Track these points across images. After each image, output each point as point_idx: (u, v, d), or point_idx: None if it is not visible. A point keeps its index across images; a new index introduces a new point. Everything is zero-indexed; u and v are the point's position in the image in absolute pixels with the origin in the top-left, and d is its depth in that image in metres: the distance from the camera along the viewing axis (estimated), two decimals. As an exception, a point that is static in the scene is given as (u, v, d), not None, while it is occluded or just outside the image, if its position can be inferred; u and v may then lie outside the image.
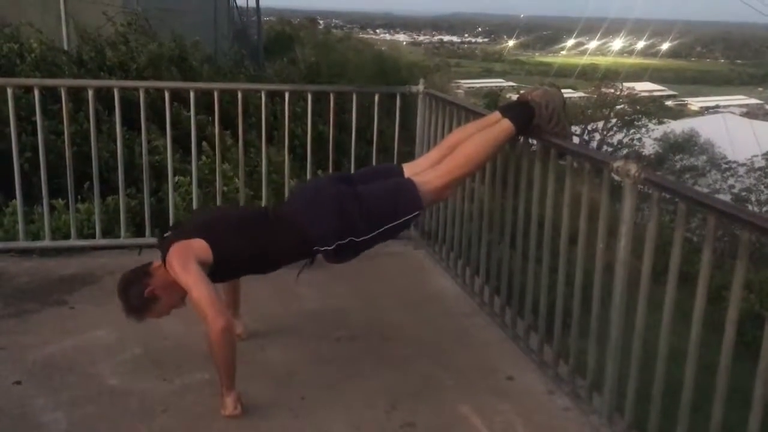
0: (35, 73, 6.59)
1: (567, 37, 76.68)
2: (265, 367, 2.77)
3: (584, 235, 2.52)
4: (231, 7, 17.01)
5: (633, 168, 2.18)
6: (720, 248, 11.85)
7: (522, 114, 2.70)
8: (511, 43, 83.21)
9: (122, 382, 2.63)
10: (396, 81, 13.06)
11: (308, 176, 4.18)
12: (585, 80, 38.81)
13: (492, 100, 23.77)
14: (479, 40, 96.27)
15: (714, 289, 2.30)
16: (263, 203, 4.17)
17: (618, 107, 24.66)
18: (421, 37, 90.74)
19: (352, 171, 3.16)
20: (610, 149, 22.28)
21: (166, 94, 3.87)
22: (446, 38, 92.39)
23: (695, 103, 45.86)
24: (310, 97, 4.10)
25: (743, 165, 19.52)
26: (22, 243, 3.88)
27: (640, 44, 69.37)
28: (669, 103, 40.84)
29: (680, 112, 37.70)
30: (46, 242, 3.91)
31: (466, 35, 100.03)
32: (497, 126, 2.70)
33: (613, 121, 24.13)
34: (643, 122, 23.86)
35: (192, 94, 3.91)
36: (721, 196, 15.68)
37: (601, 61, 55.29)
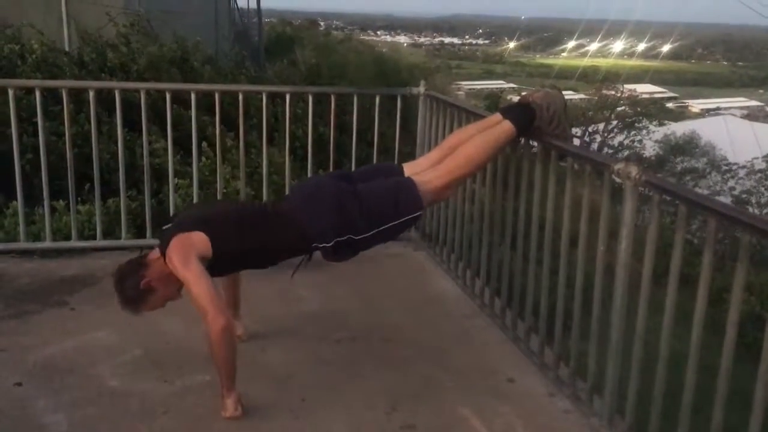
0: (36, 75, 6.60)
1: (568, 38, 76.65)
2: (265, 368, 2.77)
3: (585, 237, 2.52)
4: (232, 8, 17.02)
5: (634, 170, 2.18)
6: (720, 250, 11.84)
7: (523, 116, 2.70)
8: (511, 44, 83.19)
9: (123, 384, 2.63)
10: (396, 82, 13.06)
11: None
12: (586, 82, 38.78)
13: (493, 101, 23.74)
14: (480, 41, 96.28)
15: (715, 291, 2.29)
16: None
17: (619, 109, 24.65)
18: (422, 39, 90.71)
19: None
20: (610, 151, 22.26)
21: (167, 96, 3.88)
22: (447, 40, 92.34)
23: (696, 105, 45.85)
24: (311, 98, 4.11)
25: (743, 167, 19.50)
26: (22, 244, 3.89)
27: (641, 46, 69.36)
28: (670, 105, 40.85)
29: (681, 114, 37.71)
30: (47, 243, 3.91)
31: (467, 37, 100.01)
32: (498, 127, 2.71)
33: (614, 122, 24.11)
34: (643, 124, 23.84)
35: (193, 96, 3.91)
36: (722, 198, 15.71)
37: (602, 62, 55.23)
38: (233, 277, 2.87)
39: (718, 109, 42.60)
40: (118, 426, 2.39)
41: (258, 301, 3.23)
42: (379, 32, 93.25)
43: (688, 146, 22.57)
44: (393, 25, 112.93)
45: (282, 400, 2.54)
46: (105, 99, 4.71)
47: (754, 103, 47.71)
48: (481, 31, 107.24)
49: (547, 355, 2.78)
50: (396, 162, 3.80)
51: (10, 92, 3.74)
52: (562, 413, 2.54)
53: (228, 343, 2.35)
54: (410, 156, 3.94)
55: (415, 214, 2.59)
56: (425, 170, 2.67)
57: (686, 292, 2.13)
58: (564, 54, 73.75)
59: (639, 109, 25.03)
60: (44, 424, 2.37)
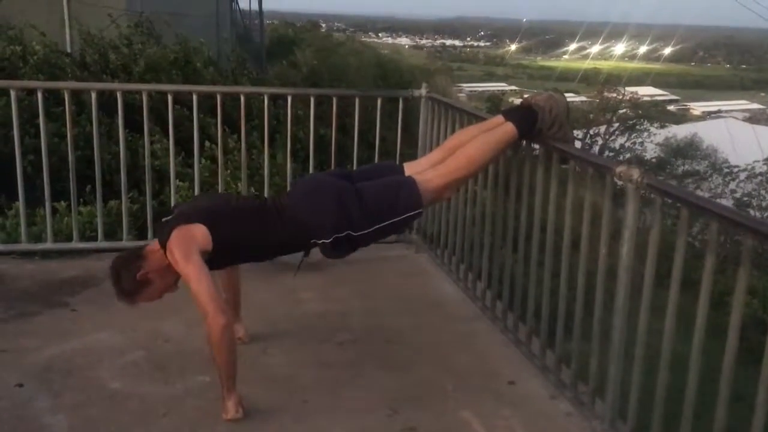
0: (38, 76, 6.60)
1: (569, 41, 76.71)
2: (266, 370, 2.77)
3: (586, 240, 2.52)
4: (233, 10, 17.03)
5: (636, 173, 2.18)
6: (722, 253, 11.83)
7: (525, 118, 2.70)
8: (513, 47, 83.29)
9: (124, 385, 2.62)
10: (397, 84, 13.07)
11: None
12: (587, 84, 38.80)
13: (494, 103, 23.81)
14: (482, 44, 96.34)
15: (717, 294, 2.29)
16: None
17: (620, 111, 24.66)
18: (424, 41, 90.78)
19: (353, 171, 3.15)
20: (611, 154, 22.27)
21: (169, 98, 3.88)
22: (449, 42, 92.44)
23: (697, 107, 45.85)
24: (312, 100, 4.11)
25: (744, 171, 19.50)
26: (24, 245, 3.89)
27: (642, 49, 69.41)
28: (671, 107, 40.89)
29: (682, 117, 37.70)
30: (48, 244, 3.92)
31: (469, 39, 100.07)
32: (500, 129, 2.70)
33: (615, 125, 24.12)
34: (645, 127, 23.85)
35: (195, 98, 3.92)
36: (723, 201, 15.70)
37: (604, 65, 55.31)
38: (233, 279, 2.87)
39: (719, 111, 42.61)
40: (119, 427, 2.38)
41: (259, 303, 3.22)
42: (380, 34, 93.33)
43: (689, 149, 22.58)
44: (395, 27, 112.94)
45: (283, 403, 2.54)
46: (107, 100, 4.72)
47: (755, 105, 47.71)
48: (482, 33, 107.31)
49: (548, 357, 2.77)
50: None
51: (12, 93, 3.75)
52: (563, 416, 2.53)
53: (227, 342, 2.35)
54: (412, 158, 3.93)
55: (414, 213, 2.59)
56: (426, 170, 2.67)
57: (688, 295, 2.13)
58: (565, 56, 73.78)
59: (640, 111, 25.05)
60: (45, 425, 2.37)
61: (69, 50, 8.59)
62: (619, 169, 2.25)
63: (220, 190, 4.09)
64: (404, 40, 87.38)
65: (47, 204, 3.86)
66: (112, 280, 2.50)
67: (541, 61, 72.44)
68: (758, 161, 19.28)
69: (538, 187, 2.79)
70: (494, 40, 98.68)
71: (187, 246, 2.38)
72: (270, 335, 3.03)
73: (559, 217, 2.66)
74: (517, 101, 3.07)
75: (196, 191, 4.14)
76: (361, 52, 20.09)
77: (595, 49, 68.78)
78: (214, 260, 2.46)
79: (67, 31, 9.32)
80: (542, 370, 2.78)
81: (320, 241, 2.51)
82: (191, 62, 8.03)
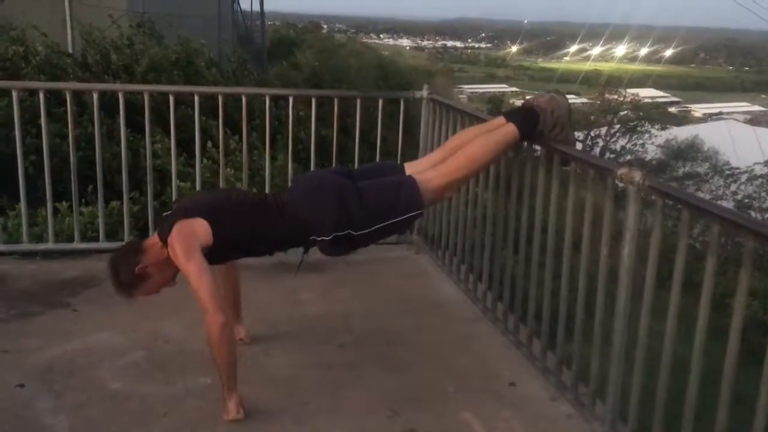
0: (40, 77, 6.61)
1: (570, 42, 76.64)
2: (267, 371, 2.77)
3: (587, 242, 2.52)
4: (235, 10, 17.03)
5: (637, 175, 2.18)
6: (723, 255, 11.82)
7: (527, 119, 2.70)
8: (514, 48, 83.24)
9: (124, 386, 2.63)
10: (398, 85, 13.07)
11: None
12: (588, 86, 38.78)
13: (495, 105, 23.80)
14: (483, 45, 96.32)
15: (718, 296, 2.29)
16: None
17: (621, 113, 24.65)
18: (425, 42, 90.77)
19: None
20: (612, 155, 22.27)
21: (171, 98, 3.88)
22: (450, 43, 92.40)
23: (698, 109, 45.83)
24: (314, 101, 4.11)
25: (744, 173, 19.49)
26: (25, 245, 3.89)
27: (644, 50, 69.38)
28: (672, 109, 40.85)
29: (684, 119, 37.66)
30: (50, 245, 3.92)
31: (470, 40, 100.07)
32: (501, 130, 2.70)
33: (617, 127, 24.12)
34: (646, 128, 23.85)
35: (196, 98, 3.92)
36: (724, 203, 15.69)
37: (605, 67, 55.22)
38: (233, 280, 2.87)
39: (720, 113, 42.58)
40: (120, 428, 2.38)
41: (260, 305, 3.23)
42: (381, 35, 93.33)
43: (690, 150, 22.58)
44: (396, 28, 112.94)
45: (284, 404, 2.54)
46: (108, 101, 4.72)
47: (756, 107, 47.70)
48: (483, 34, 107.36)
49: (549, 359, 2.77)
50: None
51: (14, 94, 3.75)
52: (564, 418, 2.53)
53: (226, 339, 2.35)
54: (413, 159, 3.93)
55: (415, 212, 2.58)
56: (426, 170, 2.67)
57: (689, 297, 2.13)
58: (566, 58, 73.70)
59: (641, 113, 25.04)
60: (46, 426, 2.37)
61: (71, 51, 8.60)
62: (621, 171, 2.25)
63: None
64: (405, 42, 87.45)
65: (49, 204, 3.86)
66: (110, 273, 2.50)
67: (542, 63, 72.46)
68: (759, 163, 19.27)
69: (539, 189, 2.79)
70: (495, 41, 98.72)
71: (188, 242, 2.39)
72: (271, 336, 3.03)
73: (560, 219, 2.66)
74: (518, 102, 3.07)
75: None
76: (362, 53, 20.09)
77: (596, 50, 68.74)
78: (213, 254, 2.46)
79: (69, 31, 9.33)
80: (543, 371, 2.78)
81: (320, 239, 2.51)
82: (193, 63, 8.04)
